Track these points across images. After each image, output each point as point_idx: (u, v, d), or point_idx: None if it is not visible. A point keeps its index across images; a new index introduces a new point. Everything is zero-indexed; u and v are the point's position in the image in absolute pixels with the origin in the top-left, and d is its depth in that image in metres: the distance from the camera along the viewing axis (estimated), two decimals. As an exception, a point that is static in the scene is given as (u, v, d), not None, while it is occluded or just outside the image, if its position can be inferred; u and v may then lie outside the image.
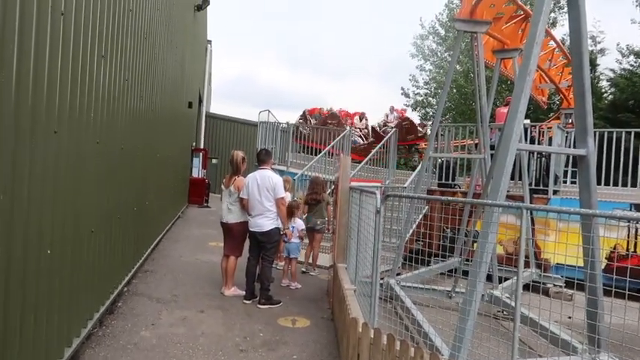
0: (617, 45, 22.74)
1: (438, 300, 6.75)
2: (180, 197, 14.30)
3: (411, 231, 8.55)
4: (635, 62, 21.83)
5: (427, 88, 31.53)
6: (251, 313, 5.84)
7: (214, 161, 22.94)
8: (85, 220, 4.12)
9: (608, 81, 22.35)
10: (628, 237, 8.29)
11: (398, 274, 7.36)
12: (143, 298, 5.97)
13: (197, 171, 17.75)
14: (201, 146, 20.80)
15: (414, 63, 33.52)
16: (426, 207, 9.48)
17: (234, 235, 6.50)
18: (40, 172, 3.11)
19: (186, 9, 12.59)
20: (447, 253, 7.93)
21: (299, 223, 7.48)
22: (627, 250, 8.22)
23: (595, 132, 9.11)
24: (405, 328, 5.52)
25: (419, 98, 31.72)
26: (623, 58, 22.26)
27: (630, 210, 8.27)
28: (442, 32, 31.20)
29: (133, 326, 5.04)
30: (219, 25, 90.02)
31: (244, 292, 6.31)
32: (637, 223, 8.01)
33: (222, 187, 6.72)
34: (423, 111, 31.29)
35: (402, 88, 32.83)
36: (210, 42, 24.23)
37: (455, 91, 27.09)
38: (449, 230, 8.56)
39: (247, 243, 6.53)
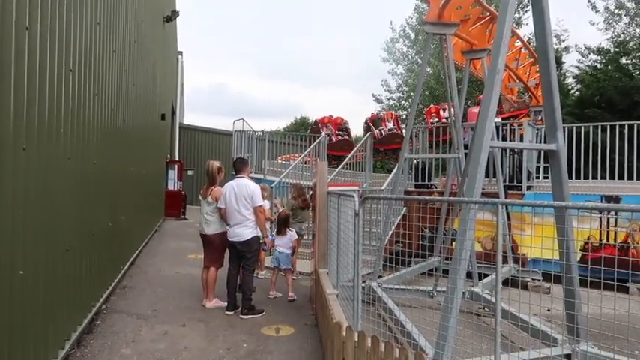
0: (576, 46, 23.47)
1: (420, 300, 6.79)
2: (157, 211, 14.10)
3: (390, 233, 8.61)
4: (598, 59, 22.52)
5: (400, 92, 31.89)
6: (234, 323, 5.78)
7: (190, 173, 22.69)
8: (58, 237, 4.02)
9: (574, 78, 22.99)
10: (600, 228, 8.50)
11: (379, 277, 7.38)
12: (122, 315, 5.85)
13: (173, 183, 17.54)
14: (176, 158, 20.56)
15: (386, 68, 33.90)
16: (405, 208, 9.56)
17: (214, 246, 6.44)
18: (10, 190, 3.03)
19: (155, 21, 12.48)
20: (427, 253, 7.99)
21: (292, 234, 7.38)
22: (600, 240, 8.43)
23: (564, 127, 9.33)
24: (389, 330, 5.54)
25: (392, 102, 32.06)
26: (584, 58, 22.96)
27: (601, 201, 8.49)
28: (412, 35, 31.64)
29: (112, 344, 4.93)
30: (189, 36, 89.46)
31: (226, 303, 6.24)
32: (608, 214, 8.23)
33: (200, 198, 6.65)
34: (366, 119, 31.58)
35: (374, 95, 33.19)
36: (181, 53, 24.05)
37: (427, 93, 27.46)
38: (427, 230, 8.64)
39: (227, 253, 6.47)
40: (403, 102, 31.16)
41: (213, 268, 6.43)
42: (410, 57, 31.79)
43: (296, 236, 7.39)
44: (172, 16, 15.36)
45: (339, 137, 17.21)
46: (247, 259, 6.26)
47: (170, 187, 17.53)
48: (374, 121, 18.17)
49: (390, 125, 16.85)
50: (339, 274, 5.13)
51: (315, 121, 18.08)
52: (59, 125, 3.98)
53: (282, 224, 7.21)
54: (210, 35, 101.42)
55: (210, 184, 6.47)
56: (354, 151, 12.34)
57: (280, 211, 8.16)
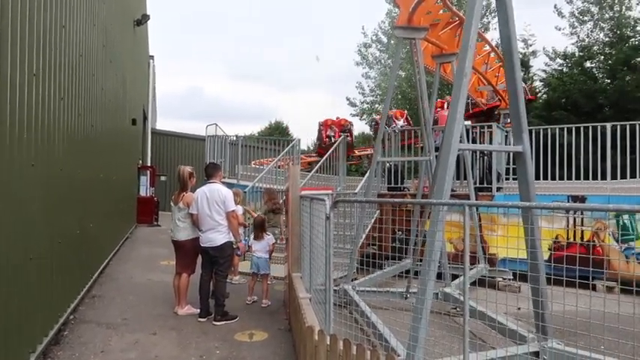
0: (544, 49, 24.11)
1: (393, 302, 6.84)
2: (128, 217, 13.84)
3: (364, 236, 8.65)
4: (564, 63, 23.16)
5: (373, 95, 32.15)
6: (206, 330, 5.71)
7: (163, 178, 22.36)
8: (22, 246, 3.91)
9: (541, 81, 23.58)
10: (567, 227, 8.72)
11: (353, 280, 7.41)
12: (91, 325, 5.71)
13: (145, 189, 17.25)
14: (148, 164, 20.26)
15: (360, 71, 34.19)
16: (377, 211, 9.63)
17: (186, 252, 6.35)
18: (-32, 198, 2.93)
19: (125, 24, 12.28)
20: (399, 255, 8.07)
21: (270, 238, 7.31)
22: (567, 239, 8.65)
23: (531, 130, 9.59)
24: (363, 333, 5.57)
25: (365, 106, 32.29)
26: (551, 61, 23.61)
27: (568, 201, 8.72)
28: (385, 40, 31.95)
29: (80, 355, 4.80)
30: (162, 40, 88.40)
31: (198, 310, 6.16)
32: (575, 213, 8.45)
33: (172, 203, 6.56)
34: (370, 118, 31.84)
35: (348, 98, 33.38)
36: (152, 57, 23.74)
37: (400, 96, 27.76)
38: (400, 232, 8.72)
39: (200, 259, 6.39)
40: (377, 105, 31.40)
41: (185, 275, 6.35)
42: (383, 61, 32.11)
43: (273, 240, 7.34)
44: (143, 20, 15.15)
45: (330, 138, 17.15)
46: (220, 265, 6.19)
47: (142, 193, 17.24)
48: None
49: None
50: (312, 278, 5.12)
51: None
52: (22, 131, 3.87)
53: (258, 229, 7.16)
54: (182, 39, 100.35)
55: (182, 190, 6.39)
56: (327, 153, 12.37)
57: (255, 215, 8.13)
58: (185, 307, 6.31)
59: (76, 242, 6.16)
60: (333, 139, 16.72)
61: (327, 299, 4.05)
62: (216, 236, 6.10)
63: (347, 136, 17.12)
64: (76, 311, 6.12)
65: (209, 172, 6.39)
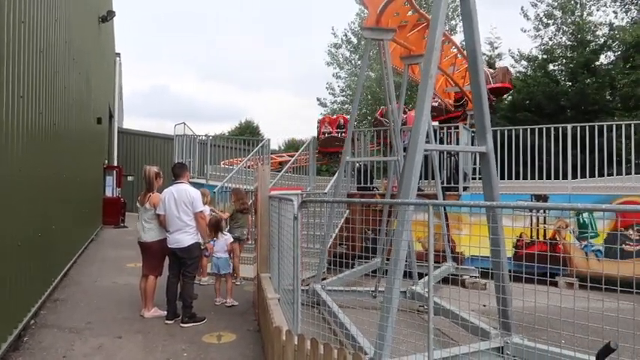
0: (509, 51, 24.72)
1: (362, 301, 6.89)
2: (94, 218, 13.52)
3: (333, 235, 8.68)
4: (528, 66, 23.79)
5: (344, 96, 32.33)
6: (174, 333, 5.62)
7: (130, 178, 21.93)
8: (-23, 250, 3.76)
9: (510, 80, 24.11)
10: (531, 225, 8.96)
11: (323, 279, 7.42)
12: (53, 330, 5.55)
13: (111, 190, 16.89)
14: (115, 163, 19.83)
15: (330, 71, 34.36)
16: (347, 211, 9.68)
17: (153, 253, 6.24)
18: None
19: (89, 21, 11.98)
20: (367, 255, 8.13)
21: (227, 237, 7.28)
22: (531, 237, 8.89)
23: (497, 130, 9.82)
24: (332, 332, 5.58)
25: (336, 106, 32.44)
26: (517, 63, 24.23)
27: (531, 200, 8.96)
28: (355, 40, 32.16)
29: (41, 361, 4.66)
30: (129, 37, 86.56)
31: (165, 312, 6.06)
32: (538, 212, 8.70)
33: (138, 204, 6.44)
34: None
35: (318, 99, 33.47)
36: (119, 55, 23.23)
37: (369, 97, 27.99)
38: (370, 232, 8.79)
39: (167, 261, 6.29)
40: (347, 105, 31.58)
41: (152, 277, 6.24)
42: (353, 61, 32.33)
43: (231, 239, 7.30)
44: (108, 17, 14.81)
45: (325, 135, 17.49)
46: (188, 266, 6.11)
47: (108, 193, 16.87)
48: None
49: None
50: (281, 278, 5.11)
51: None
52: (-23, 130, 3.73)
53: (213, 229, 7.10)
54: (151, 37, 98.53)
55: (148, 190, 6.27)
56: (297, 154, 12.37)
57: (225, 216, 8.06)
58: (152, 309, 6.20)
59: (37, 245, 5.97)
60: (327, 135, 17.14)
61: (294, 299, 4.05)
62: (184, 237, 6.02)
63: (343, 132, 17.18)
64: (37, 316, 5.93)
65: (176, 173, 6.30)
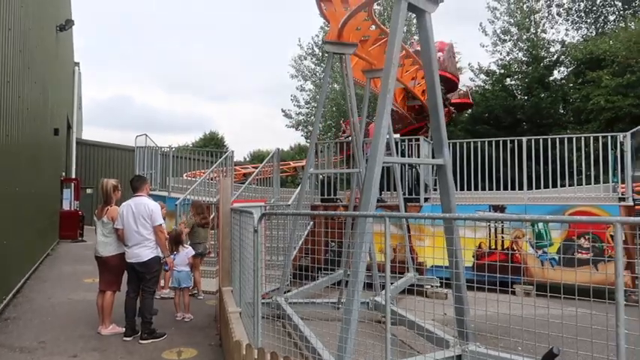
0: (469, 65, 25.52)
1: (326, 313, 6.89)
2: (49, 233, 13.05)
3: (297, 247, 8.67)
4: (487, 80, 24.59)
5: (308, 108, 32.48)
6: (132, 350, 5.48)
7: (89, 191, 21.33)
8: None
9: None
10: (489, 235, 9.21)
11: (286, 292, 7.39)
12: (3, 350, 5.31)
13: (69, 203, 16.38)
14: (73, 176, 19.25)
15: (295, 83, 34.47)
16: (311, 222, 9.69)
17: (111, 268, 6.08)
18: None
19: (46, 29, 11.67)
20: (332, 266, 8.16)
21: (188, 250, 7.17)
22: (489, 247, 9.13)
23: (457, 143, 10.09)
24: (295, 345, 5.55)
25: (300, 118, 32.57)
26: (476, 77, 25.03)
27: (489, 211, 9.22)
28: (320, 53, 32.44)
29: (-11, 383, 4.45)
30: (90, 46, 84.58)
31: (124, 329, 5.90)
32: (495, 222, 8.95)
33: (95, 218, 6.27)
34: (306, 130, 32.19)
35: (283, 110, 33.52)
36: (77, 64, 22.67)
37: (334, 109, 28.24)
38: (334, 244, 8.83)
39: (126, 276, 6.13)
40: (312, 117, 31.74)
41: (109, 292, 6.07)
42: (317, 74, 32.57)
43: (192, 252, 7.21)
44: (67, 25, 14.45)
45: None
46: (147, 281, 5.98)
47: (66, 206, 16.36)
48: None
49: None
50: (242, 292, 5.07)
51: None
52: None
53: (172, 243, 7.00)
54: (112, 46, 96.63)
55: (106, 204, 6.13)
56: (260, 166, 12.33)
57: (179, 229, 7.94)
58: (109, 326, 6.03)
59: (-13, 261, 5.72)
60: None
61: (255, 312, 4.02)
62: (143, 251, 5.89)
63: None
64: (-14, 336, 5.67)
65: (135, 185, 6.17)
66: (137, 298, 6.03)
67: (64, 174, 17.35)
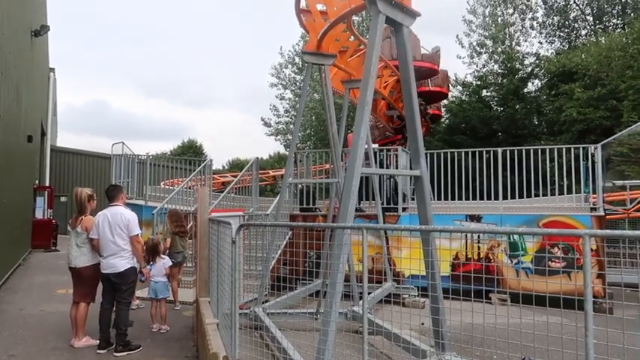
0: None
1: (304, 323, 6.87)
2: (21, 242, 12.73)
3: (275, 257, 8.64)
4: (463, 91, 25.04)
5: (288, 116, 32.54)
6: (106, 363, 5.37)
7: (63, 199, 20.91)
8: None
9: (444, 107, 25.26)
10: (466, 244, 9.34)
11: (265, 302, 7.35)
12: (-29, 364, 5.16)
13: (42, 211, 16.04)
14: (47, 183, 18.86)
15: (275, 92, 34.53)
16: (290, 232, 9.68)
17: (85, 279, 5.96)
18: None
19: (20, 35, 11.47)
20: (310, 276, 8.15)
21: (165, 261, 7.07)
22: (466, 256, 9.25)
23: (434, 153, 10.23)
24: (273, 357, 5.52)
25: (280, 127, 32.60)
26: (453, 88, 25.44)
27: (466, 220, 9.35)
28: (299, 62, 32.59)
29: (-44, 400, 4.31)
30: (66, 52, 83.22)
31: (98, 342, 5.79)
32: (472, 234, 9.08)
33: (69, 228, 6.15)
34: (285, 138, 32.23)
35: (262, 119, 33.49)
36: (53, 70, 22.31)
37: (314, 118, 28.36)
38: (313, 253, 8.83)
39: (101, 287, 6.02)
40: (291, 126, 31.80)
41: (83, 304, 5.95)
42: (297, 82, 32.70)
43: (170, 263, 7.12)
44: (42, 31, 14.24)
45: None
46: (122, 292, 5.87)
47: (39, 215, 16.00)
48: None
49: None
50: (220, 302, 5.03)
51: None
52: None
53: (150, 253, 6.91)
54: (88, 51, 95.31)
55: (80, 213, 6.02)
56: (239, 175, 12.28)
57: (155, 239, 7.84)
58: (83, 338, 5.90)
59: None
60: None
61: (232, 324, 4.00)
62: (119, 262, 5.80)
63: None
64: (-47, 350, 5.49)
65: (110, 195, 6.08)
66: (112, 310, 5.93)
67: (37, 182, 16.99)
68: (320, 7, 7.56)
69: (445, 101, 23.98)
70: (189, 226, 8.79)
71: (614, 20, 25.32)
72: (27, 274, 10.79)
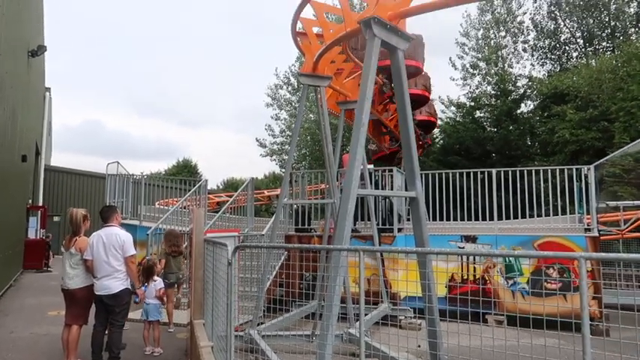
0: (439, 97, 26.25)
1: (300, 346, 6.80)
2: (13, 262, 12.59)
3: (270, 278, 8.59)
4: (457, 112, 25.29)
5: (283, 137, 32.64)
6: (98, 387, 5.27)
7: (56, 219, 20.76)
8: None
9: (437, 128, 25.49)
10: (461, 265, 9.32)
11: (260, 324, 7.27)
12: (-41, 389, 5.05)
13: (34, 231, 15.89)
14: (40, 203, 18.74)
15: (270, 112, 34.70)
16: (285, 253, 9.64)
17: (78, 301, 5.87)
18: None
19: (17, 55, 11.53)
20: (306, 297, 8.09)
21: (158, 282, 7.00)
22: (462, 277, 9.23)
23: (429, 173, 10.28)
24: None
25: (275, 147, 32.68)
26: (447, 109, 25.72)
27: (461, 241, 9.36)
28: (295, 83, 32.84)
29: None
30: (60, 70, 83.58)
31: (90, 365, 5.69)
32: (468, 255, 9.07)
33: (62, 249, 6.09)
34: (280, 158, 32.30)
35: (257, 139, 33.57)
36: (49, 89, 22.37)
37: (309, 138, 28.48)
38: (308, 274, 8.78)
39: (94, 309, 5.94)
40: (286, 146, 31.89)
41: (75, 326, 5.85)
42: (293, 103, 32.91)
43: (161, 285, 7.04)
44: (39, 51, 14.32)
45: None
46: (116, 314, 5.79)
47: (31, 235, 15.85)
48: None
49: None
50: (215, 325, 4.97)
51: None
52: None
53: (145, 274, 6.85)
54: (84, 70, 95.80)
55: (75, 234, 5.97)
56: (235, 195, 12.27)
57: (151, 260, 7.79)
58: (74, 362, 5.80)
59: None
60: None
61: (227, 347, 3.95)
62: (112, 283, 5.73)
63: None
64: (-59, 374, 5.38)
65: (105, 216, 6.03)
66: (105, 333, 5.84)
67: (30, 201, 16.88)
68: (316, 29, 7.69)
69: (439, 121, 24.17)
70: (184, 245, 8.73)
71: (604, 43, 25.79)
72: (18, 295, 10.64)
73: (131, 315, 7.84)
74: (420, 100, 15.15)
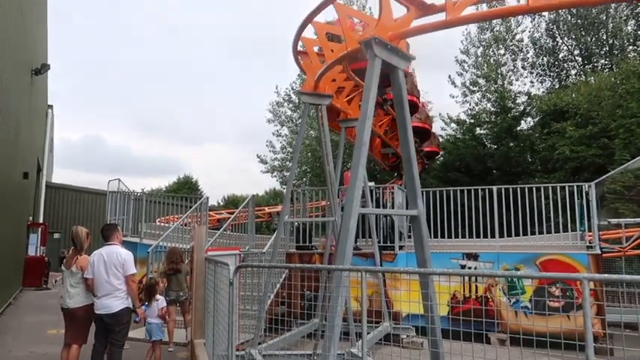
0: (439, 115, 26.39)
1: (301, 365, 6.74)
2: (12, 280, 12.53)
3: (272, 296, 8.53)
4: (457, 129, 25.38)
5: (284, 153, 32.70)
6: (97, 408, 5.21)
7: (56, 236, 20.71)
8: None
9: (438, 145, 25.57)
10: (463, 283, 9.27)
11: (261, 343, 7.21)
12: (-44, 411, 4.99)
13: (34, 249, 15.85)
14: (41, 220, 18.72)
15: (271, 128, 34.82)
16: (286, 270, 9.60)
17: (78, 320, 5.83)
18: None
19: (20, 73, 11.65)
20: (307, 315, 8.04)
21: (160, 301, 6.95)
22: (464, 294, 9.17)
23: (429, 191, 10.27)
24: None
25: (276, 163, 32.72)
26: (447, 126, 25.82)
27: (462, 258, 9.32)
28: (296, 100, 33.02)
29: None
30: (62, 86, 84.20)
31: (89, 385, 5.63)
32: (469, 269, 9.04)
33: (63, 268, 6.07)
34: (280, 175, 32.34)
35: (258, 156, 33.62)
36: (51, 107, 22.53)
37: (310, 155, 28.54)
38: (309, 292, 8.73)
39: (93, 328, 5.90)
40: (287, 163, 31.93)
41: (75, 346, 5.80)
42: (294, 120, 33.04)
43: (164, 304, 6.99)
44: (42, 70, 14.46)
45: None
46: (116, 334, 5.74)
47: (31, 252, 15.80)
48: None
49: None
50: (216, 344, 4.94)
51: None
52: None
53: (146, 293, 6.81)
54: (87, 89, 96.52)
55: (77, 252, 5.95)
56: (236, 212, 12.26)
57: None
58: (73, 382, 5.73)
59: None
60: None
61: (229, 368, 3.92)
62: (113, 302, 5.69)
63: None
64: (-61, 395, 5.32)
65: (105, 235, 6.01)
66: (105, 352, 5.79)
67: (31, 218, 16.87)
68: (316, 48, 7.77)
69: (440, 139, 24.24)
70: (186, 262, 8.69)
71: (602, 61, 26.00)
72: (17, 314, 10.57)
73: (131, 334, 7.79)
74: (421, 132, 15.31)
